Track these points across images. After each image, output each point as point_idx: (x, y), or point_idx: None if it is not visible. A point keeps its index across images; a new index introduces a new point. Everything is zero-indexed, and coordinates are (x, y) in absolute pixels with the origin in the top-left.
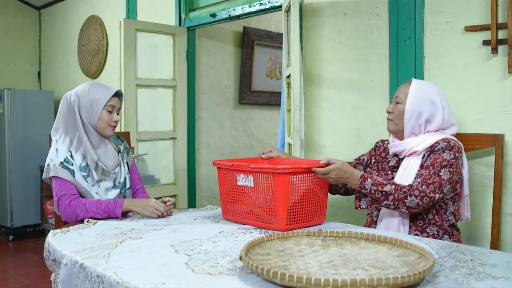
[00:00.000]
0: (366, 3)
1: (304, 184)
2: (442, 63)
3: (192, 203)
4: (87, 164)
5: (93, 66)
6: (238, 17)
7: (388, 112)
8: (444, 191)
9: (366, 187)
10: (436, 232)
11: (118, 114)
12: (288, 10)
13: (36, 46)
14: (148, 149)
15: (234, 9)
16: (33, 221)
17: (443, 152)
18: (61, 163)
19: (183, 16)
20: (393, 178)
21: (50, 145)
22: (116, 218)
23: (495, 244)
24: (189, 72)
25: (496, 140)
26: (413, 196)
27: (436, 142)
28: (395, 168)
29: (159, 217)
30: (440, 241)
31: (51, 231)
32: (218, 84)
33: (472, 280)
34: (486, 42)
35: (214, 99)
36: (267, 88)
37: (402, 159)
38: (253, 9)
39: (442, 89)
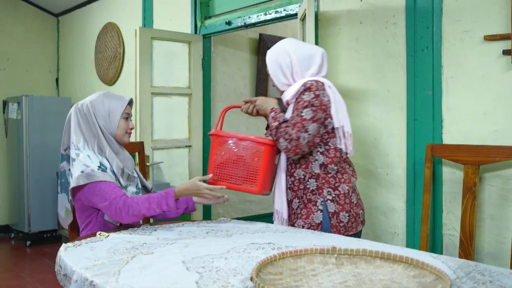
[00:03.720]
0: (382, 12)
1: (233, 150)
2: (461, 73)
3: (207, 211)
4: (114, 171)
5: (109, 73)
6: (253, 25)
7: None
8: (308, 130)
9: (269, 117)
10: (302, 177)
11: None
12: (303, 19)
13: (54, 53)
14: (164, 157)
15: (249, 17)
16: (50, 226)
17: (303, 94)
18: (99, 167)
19: (198, 24)
20: None
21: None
22: (175, 209)
23: None
24: (205, 79)
25: None
26: (282, 139)
27: (298, 90)
28: None
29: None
30: (458, 260)
31: (63, 244)
32: (234, 91)
33: None
34: (506, 52)
35: None
36: None
37: None
38: (268, 17)
39: (461, 99)
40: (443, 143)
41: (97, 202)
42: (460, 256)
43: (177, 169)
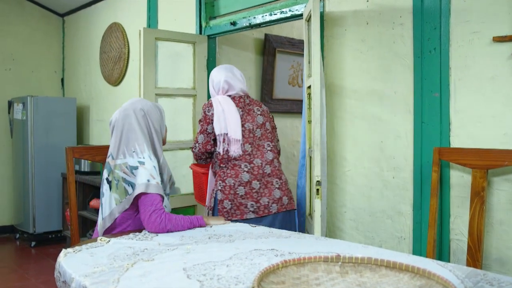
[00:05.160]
0: (389, 12)
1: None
2: (469, 75)
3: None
4: (164, 179)
5: (114, 74)
6: (258, 25)
7: None
8: (198, 140)
9: None
10: (213, 174)
11: None
12: (309, 19)
13: (60, 53)
14: (168, 158)
15: (254, 17)
16: (55, 227)
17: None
18: (162, 181)
19: (203, 24)
20: None
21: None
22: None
23: None
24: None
25: None
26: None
27: None
28: None
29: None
30: (466, 268)
31: (63, 250)
32: None
33: None
34: None
35: None
36: (289, 95)
37: None
38: (273, 17)
39: (469, 102)
40: (451, 146)
41: (142, 206)
42: (468, 262)
43: (182, 171)
